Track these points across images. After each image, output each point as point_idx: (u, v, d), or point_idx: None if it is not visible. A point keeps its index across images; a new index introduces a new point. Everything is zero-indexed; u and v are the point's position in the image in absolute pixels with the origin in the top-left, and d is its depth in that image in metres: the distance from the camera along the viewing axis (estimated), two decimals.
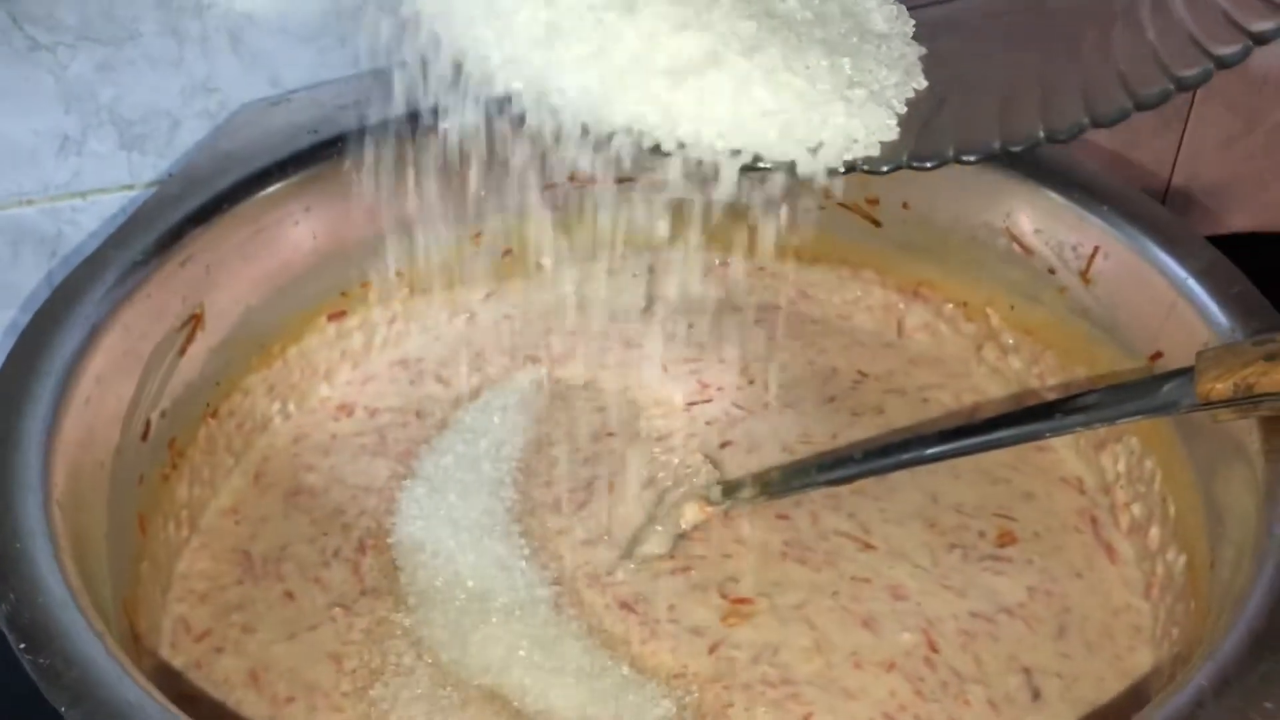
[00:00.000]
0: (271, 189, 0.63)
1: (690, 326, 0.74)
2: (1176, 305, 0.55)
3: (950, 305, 0.69)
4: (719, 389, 0.69)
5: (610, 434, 0.66)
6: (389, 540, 0.60)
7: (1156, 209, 0.58)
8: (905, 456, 0.55)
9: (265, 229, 0.63)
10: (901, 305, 0.71)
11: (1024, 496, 0.62)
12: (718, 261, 0.75)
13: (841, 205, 0.70)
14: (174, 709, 0.41)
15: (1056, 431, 0.52)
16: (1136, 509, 0.58)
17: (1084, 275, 0.60)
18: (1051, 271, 0.62)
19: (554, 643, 0.55)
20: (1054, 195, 0.61)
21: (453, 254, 0.72)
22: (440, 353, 0.72)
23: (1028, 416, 0.53)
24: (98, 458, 0.52)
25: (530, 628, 0.56)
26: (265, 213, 0.63)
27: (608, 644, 0.55)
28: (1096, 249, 0.60)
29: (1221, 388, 0.46)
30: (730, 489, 0.60)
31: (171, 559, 0.59)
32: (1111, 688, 0.53)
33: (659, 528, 0.60)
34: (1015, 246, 0.64)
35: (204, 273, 0.60)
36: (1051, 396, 0.64)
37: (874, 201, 0.69)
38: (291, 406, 0.68)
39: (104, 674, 0.40)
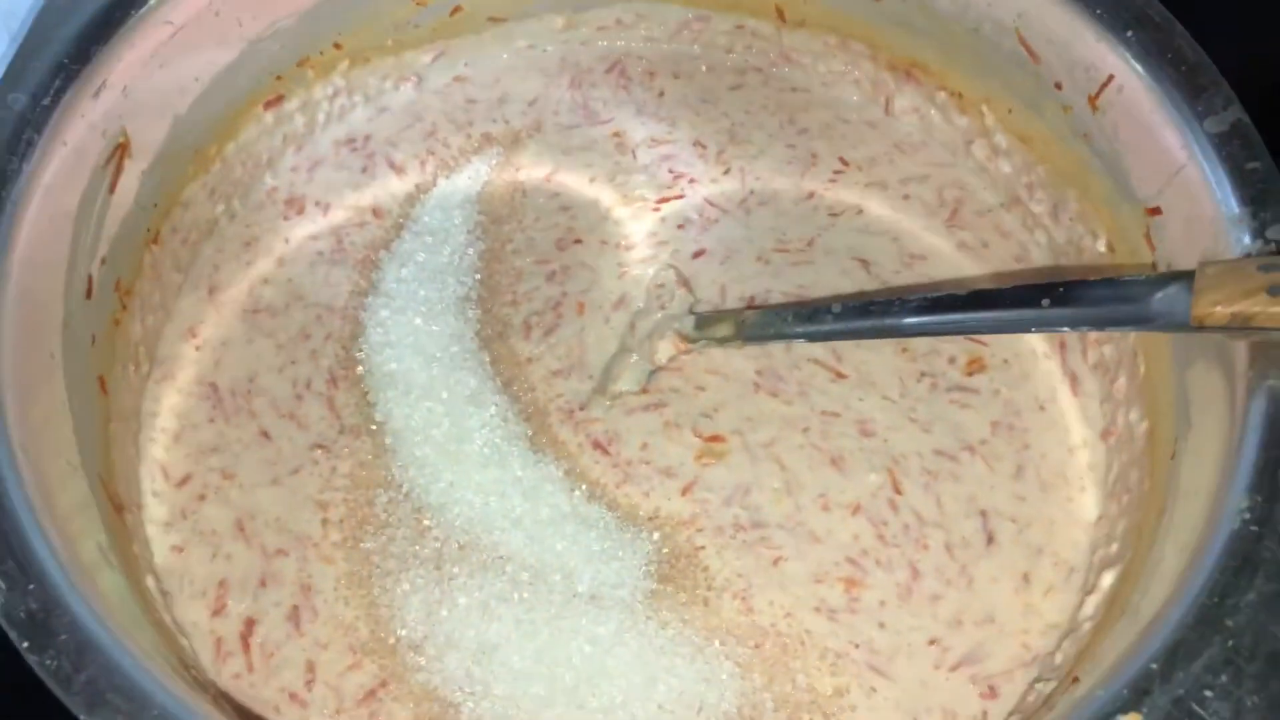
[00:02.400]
0: None
1: (661, 95, 0.69)
2: (1185, 169, 0.51)
3: (943, 93, 0.64)
4: (691, 181, 0.65)
5: (577, 241, 0.64)
6: (359, 370, 0.59)
7: (1188, 46, 0.53)
8: (885, 323, 0.54)
9: (184, 27, 0.56)
10: (891, 84, 0.66)
11: None
12: (693, 16, 0.68)
13: None
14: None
15: (1041, 325, 0.51)
16: (1107, 350, 0.58)
17: (1092, 100, 0.56)
18: (1058, 86, 0.57)
19: (534, 489, 0.56)
20: (1074, 7, 0.55)
21: (397, 13, 0.64)
22: (389, 128, 0.67)
23: (1014, 301, 0.51)
24: (46, 349, 0.49)
25: (509, 472, 0.57)
26: (182, 5, 0.55)
27: (586, 487, 0.57)
28: (1111, 78, 0.54)
29: (1219, 313, 0.44)
30: (705, 324, 0.59)
31: (136, 399, 0.57)
32: (1060, 533, 0.56)
33: (634, 359, 0.59)
34: (1023, 50, 0.58)
35: (121, 95, 0.54)
36: (1037, 209, 0.62)
37: None
38: (236, 204, 0.63)
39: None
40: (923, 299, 0.53)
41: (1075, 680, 0.44)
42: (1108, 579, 0.51)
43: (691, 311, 0.60)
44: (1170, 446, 0.51)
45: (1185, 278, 0.46)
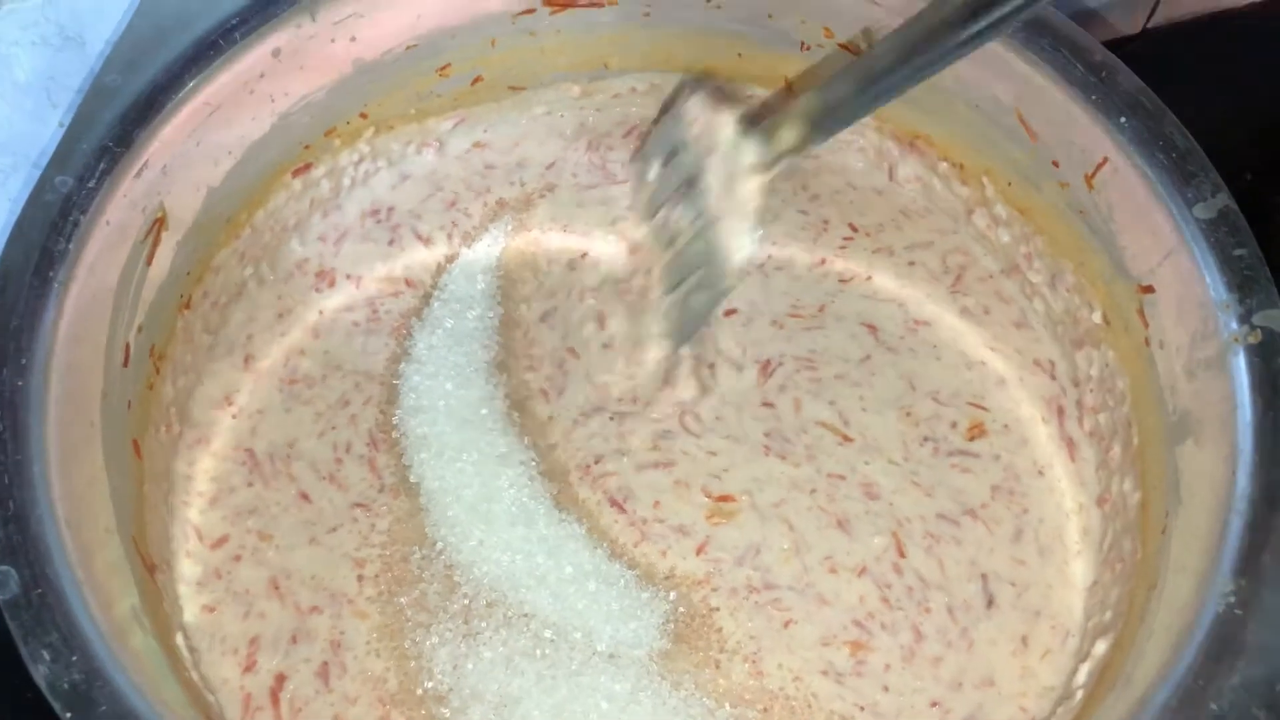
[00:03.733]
0: (223, 58, 0.57)
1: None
2: (1176, 252, 0.54)
3: (946, 163, 0.67)
4: None
5: (591, 296, 0.66)
6: (394, 435, 0.62)
7: (1178, 133, 0.55)
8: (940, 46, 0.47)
9: (221, 106, 0.58)
10: (895, 153, 0.68)
11: (998, 383, 0.64)
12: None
13: (842, 46, 0.65)
14: None
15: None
16: (1102, 419, 0.61)
17: (1088, 179, 0.58)
18: (1055, 164, 0.60)
19: (558, 547, 0.59)
20: (1070, 91, 0.57)
21: (421, 83, 0.67)
22: (412, 198, 0.69)
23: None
24: (86, 418, 0.51)
25: (535, 530, 0.59)
26: (220, 88, 0.58)
27: (607, 545, 0.59)
28: (1105, 160, 0.57)
29: None
30: (768, 136, 0.53)
31: (168, 461, 0.60)
32: (1057, 597, 0.58)
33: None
34: (1021, 128, 0.61)
35: (160, 174, 0.56)
36: (1035, 279, 0.65)
37: None
38: (265, 268, 0.66)
39: None
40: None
41: None
42: (1101, 647, 0.53)
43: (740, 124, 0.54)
44: (1162, 520, 0.53)
45: None
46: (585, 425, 0.62)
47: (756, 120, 0.54)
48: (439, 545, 0.59)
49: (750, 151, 0.54)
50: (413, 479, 0.60)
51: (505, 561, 0.58)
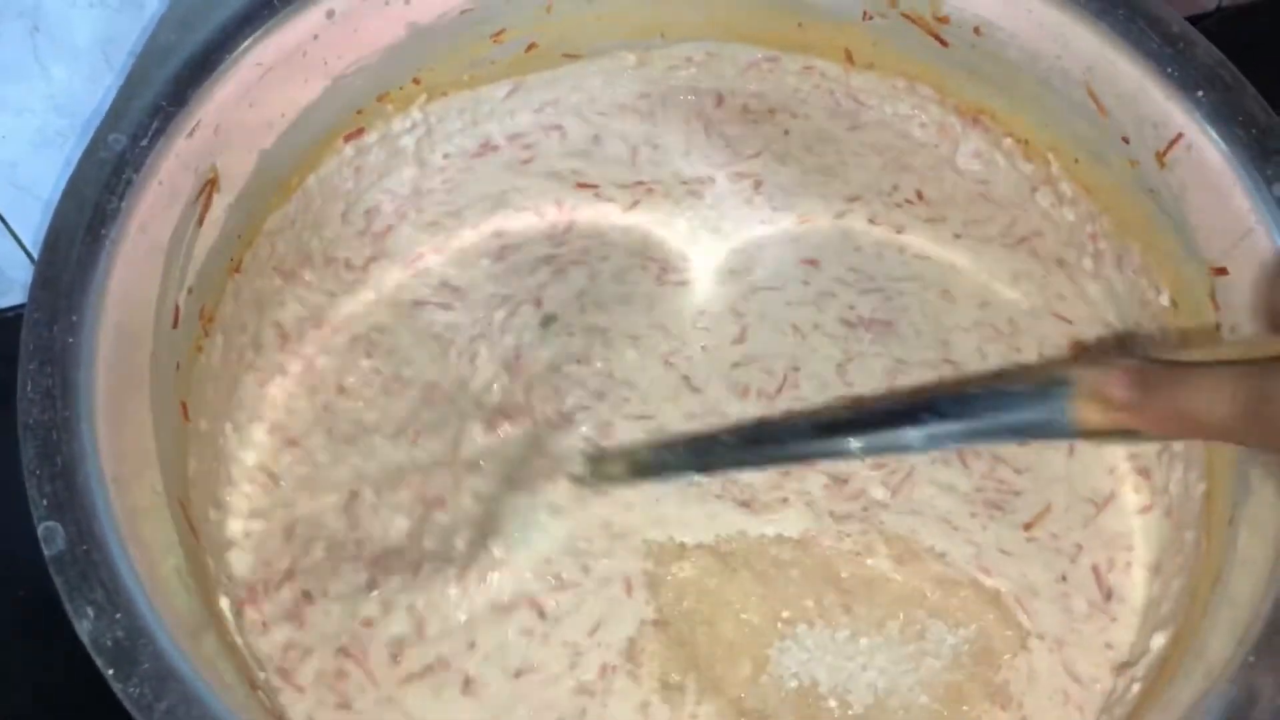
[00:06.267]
0: (277, 17, 0.57)
1: (721, 132, 0.69)
2: (1254, 233, 0.51)
3: (1010, 140, 0.65)
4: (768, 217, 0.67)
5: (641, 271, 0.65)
6: None
7: (1259, 109, 0.53)
8: (771, 450, 0.52)
9: (274, 67, 0.58)
10: (959, 128, 0.67)
11: None
12: (762, 56, 0.69)
13: (905, 16, 0.63)
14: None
15: (930, 444, 0.46)
16: None
17: (1160, 157, 0.56)
18: (1125, 140, 0.58)
19: None
20: (1144, 63, 0.55)
21: (475, 50, 0.66)
22: (466, 167, 0.68)
23: (899, 419, 0.46)
24: (135, 379, 0.51)
25: None
26: (273, 48, 0.57)
27: None
28: (1180, 136, 0.55)
29: (1101, 420, 0.41)
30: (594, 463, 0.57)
31: (216, 424, 0.59)
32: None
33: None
34: (1091, 102, 0.59)
35: (213, 134, 0.56)
36: (1101, 260, 0.62)
37: (943, 20, 0.62)
38: (318, 235, 0.65)
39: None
40: (811, 424, 0.52)
41: None
42: (1159, 640, 0.51)
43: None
44: (1229, 511, 0.51)
45: (1065, 385, 0.42)
46: None
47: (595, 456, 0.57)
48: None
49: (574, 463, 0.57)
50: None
51: None
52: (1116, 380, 0.40)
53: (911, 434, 0.45)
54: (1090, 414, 0.41)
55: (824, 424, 0.50)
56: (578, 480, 0.56)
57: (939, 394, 0.51)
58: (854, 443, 0.47)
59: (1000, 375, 0.59)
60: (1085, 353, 0.61)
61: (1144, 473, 0.58)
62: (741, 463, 0.54)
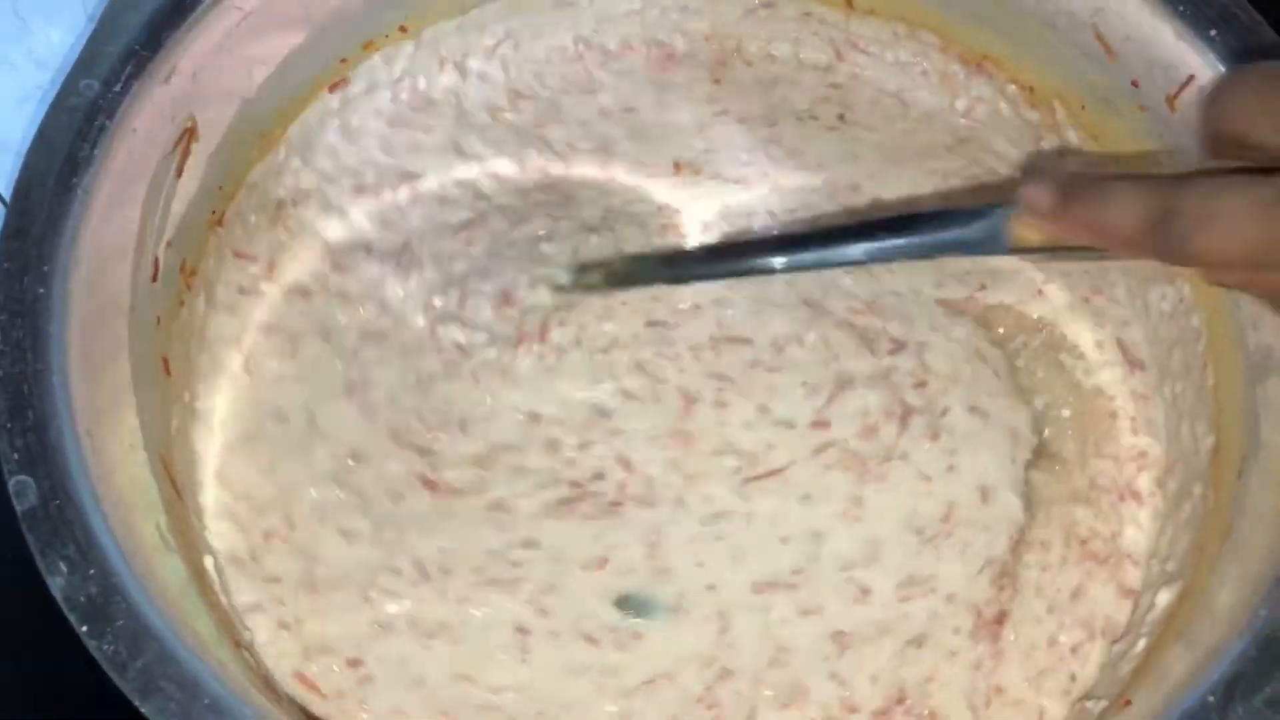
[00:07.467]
0: None
1: (718, 81, 0.68)
2: None
3: (1014, 86, 0.63)
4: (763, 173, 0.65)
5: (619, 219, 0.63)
6: None
7: (1274, 48, 0.50)
8: (743, 263, 0.55)
9: (252, 13, 0.56)
10: (961, 75, 0.65)
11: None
12: (759, 2, 0.67)
13: None
14: None
15: (878, 256, 0.50)
16: (1177, 354, 0.57)
17: (1171, 100, 0.54)
18: (1135, 84, 0.56)
19: None
20: (1155, 3, 0.53)
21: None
22: (454, 114, 0.66)
23: (856, 234, 0.50)
24: (113, 332, 0.50)
25: None
26: None
27: None
28: (1191, 78, 0.53)
29: (1034, 236, 0.44)
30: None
31: (198, 381, 0.58)
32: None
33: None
34: (1099, 45, 0.57)
35: (190, 81, 0.54)
36: None
37: None
38: (301, 187, 0.63)
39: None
40: (777, 238, 0.58)
41: (1127, 704, 0.44)
42: (1164, 597, 0.50)
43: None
44: (1238, 465, 0.49)
45: (1007, 205, 0.45)
46: None
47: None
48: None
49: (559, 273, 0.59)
50: None
51: None
52: (1044, 190, 0.42)
53: (861, 247, 0.49)
54: (1025, 230, 0.44)
55: (784, 237, 0.57)
56: (560, 289, 0.59)
57: (889, 212, 0.54)
58: (808, 255, 0.51)
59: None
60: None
61: (1150, 425, 0.57)
62: (707, 274, 0.58)
